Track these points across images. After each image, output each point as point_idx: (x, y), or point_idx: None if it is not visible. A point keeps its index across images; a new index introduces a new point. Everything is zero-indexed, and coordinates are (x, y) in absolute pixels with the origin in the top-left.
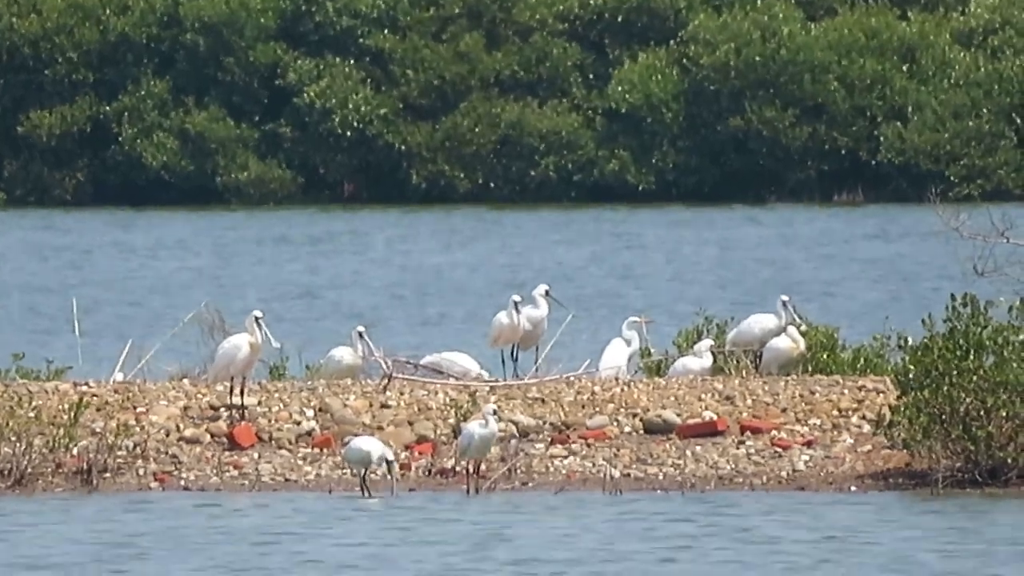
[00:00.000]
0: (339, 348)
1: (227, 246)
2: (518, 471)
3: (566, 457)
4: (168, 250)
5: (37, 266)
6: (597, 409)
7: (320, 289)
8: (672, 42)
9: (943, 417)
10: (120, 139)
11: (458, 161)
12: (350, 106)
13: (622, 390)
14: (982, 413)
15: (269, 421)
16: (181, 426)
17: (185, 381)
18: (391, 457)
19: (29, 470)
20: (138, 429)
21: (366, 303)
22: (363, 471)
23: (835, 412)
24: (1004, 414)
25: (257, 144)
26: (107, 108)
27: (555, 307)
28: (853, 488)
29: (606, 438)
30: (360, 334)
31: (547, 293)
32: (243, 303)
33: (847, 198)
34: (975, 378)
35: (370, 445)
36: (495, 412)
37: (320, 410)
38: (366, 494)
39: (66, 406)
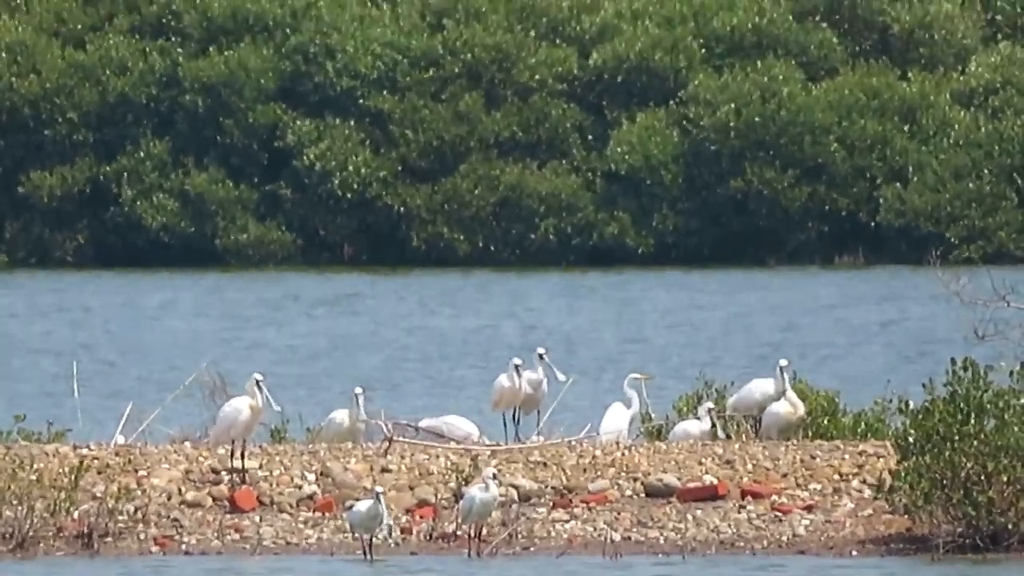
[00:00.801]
0: (338, 411)
1: (228, 308)
2: (520, 535)
3: (568, 521)
4: (168, 312)
5: (39, 326)
6: (598, 473)
7: (322, 351)
8: (672, 102)
9: (944, 482)
10: (120, 200)
11: (457, 223)
12: (350, 168)
13: (623, 454)
14: (983, 478)
15: (270, 485)
16: (182, 489)
17: (186, 444)
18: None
19: (31, 534)
20: (139, 492)
21: (368, 366)
22: (366, 535)
23: (836, 477)
24: (1005, 479)
25: (256, 206)
26: (107, 169)
27: (553, 370)
28: (854, 553)
29: (607, 502)
30: (357, 396)
31: (541, 357)
32: (245, 365)
33: (848, 260)
34: (976, 442)
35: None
36: (495, 476)
37: (321, 474)
38: (369, 557)
39: (67, 469)
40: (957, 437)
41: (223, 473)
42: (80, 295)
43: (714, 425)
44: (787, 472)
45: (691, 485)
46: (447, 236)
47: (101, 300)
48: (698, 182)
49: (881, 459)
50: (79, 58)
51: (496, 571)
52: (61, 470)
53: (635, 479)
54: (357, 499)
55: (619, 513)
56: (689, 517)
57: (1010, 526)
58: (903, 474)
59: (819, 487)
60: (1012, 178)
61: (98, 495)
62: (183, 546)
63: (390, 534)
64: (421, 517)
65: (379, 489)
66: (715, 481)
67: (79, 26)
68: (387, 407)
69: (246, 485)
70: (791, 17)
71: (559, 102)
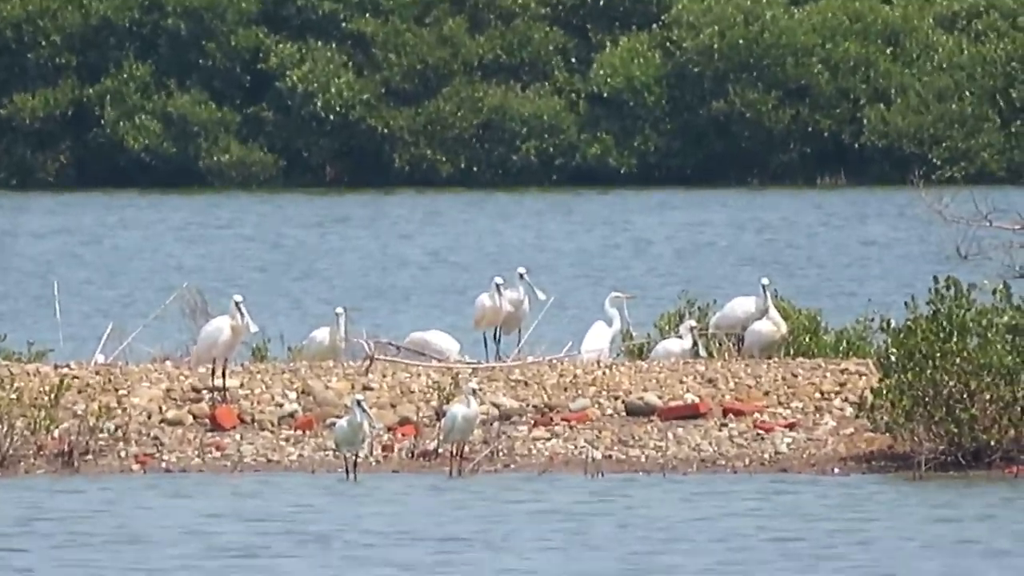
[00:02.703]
0: (320, 330)
1: (212, 228)
2: (501, 453)
3: (549, 439)
4: (151, 233)
5: (21, 246)
6: (579, 392)
7: (306, 271)
8: (655, 26)
9: (926, 400)
10: (103, 122)
11: (440, 145)
12: (332, 90)
13: (604, 373)
14: (965, 396)
15: (251, 403)
16: (163, 408)
17: (167, 363)
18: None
19: (11, 452)
20: (120, 411)
21: (352, 285)
22: (350, 452)
23: (817, 395)
24: (988, 397)
25: (239, 127)
26: (90, 91)
27: (533, 289)
28: (836, 470)
29: (588, 420)
30: (338, 315)
31: (522, 276)
32: (227, 285)
33: (830, 181)
34: (958, 361)
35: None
36: (475, 391)
37: (302, 392)
38: (351, 475)
39: (47, 388)
40: (939, 355)
41: (204, 392)
42: (63, 216)
43: (696, 344)
44: (769, 390)
45: (672, 404)
46: (430, 158)
47: (83, 221)
48: (681, 104)
49: (863, 377)
50: None
51: (477, 489)
52: (42, 389)
53: (616, 398)
54: (338, 417)
55: (600, 432)
56: (670, 435)
57: (992, 443)
58: (885, 392)
59: (801, 405)
60: (994, 100)
61: (79, 414)
62: (164, 464)
63: (372, 437)
64: (403, 435)
65: (359, 397)
66: (696, 400)
67: None
68: (369, 326)
69: (227, 403)
70: None
71: (542, 25)
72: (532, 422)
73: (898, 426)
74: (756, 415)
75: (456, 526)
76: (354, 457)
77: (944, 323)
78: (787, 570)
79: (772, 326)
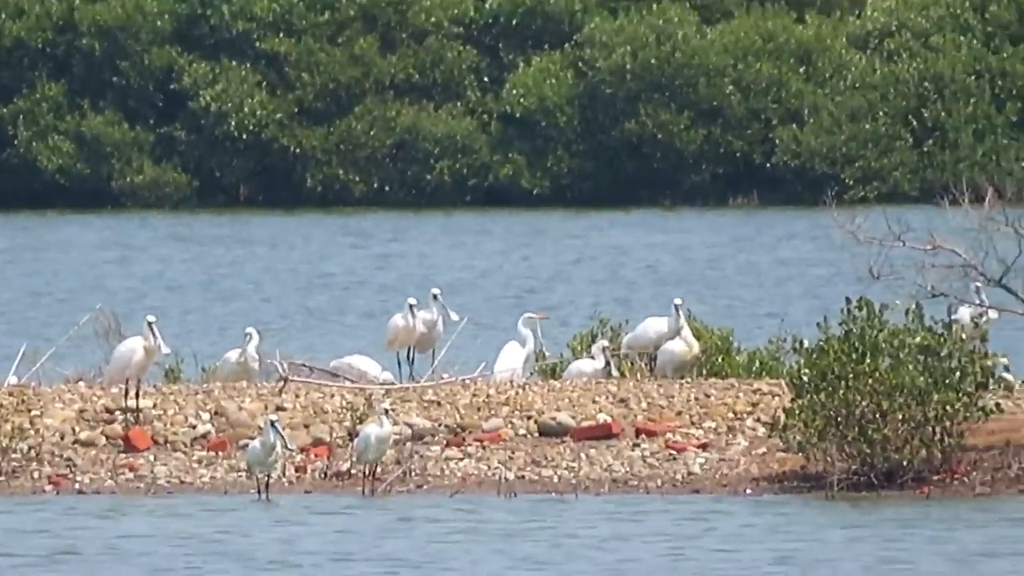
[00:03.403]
0: (233, 351)
1: (125, 249)
2: (414, 473)
3: (461, 460)
4: (64, 253)
5: None
6: (492, 412)
7: (221, 291)
8: (567, 45)
9: (838, 420)
10: (16, 142)
11: (353, 165)
12: (245, 109)
13: (517, 393)
14: (877, 416)
15: (164, 424)
16: (76, 429)
17: (80, 384)
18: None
19: None
20: (33, 432)
21: (265, 306)
22: (262, 473)
23: (730, 415)
24: (900, 417)
25: (152, 147)
26: (3, 111)
27: (447, 310)
28: (748, 491)
29: (501, 440)
30: (248, 336)
31: (436, 297)
32: (140, 306)
33: (743, 201)
34: (871, 381)
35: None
36: (387, 411)
37: (215, 413)
38: (263, 496)
39: None
40: (852, 376)
41: (117, 412)
42: None
43: (608, 364)
44: (681, 410)
45: (585, 424)
46: (343, 177)
47: None
48: (593, 124)
49: (775, 397)
50: None
51: (390, 509)
52: None
53: (529, 418)
54: (251, 438)
55: (513, 452)
56: (583, 456)
57: (904, 463)
58: (797, 412)
59: (713, 425)
60: (906, 119)
61: None
62: (77, 485)
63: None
64: (316, 456)
65: (272, 417)
66: (609, 420)
67: None
68: (284, 347)
69: (140, 424)
70: None
71: (455, 44)
72: (445, 442)
73: (811, 446)
74: (668, 435)
75: (373, 548)
76: (267, 478)
77: (856, 343)
78: None
79: (685, 346)
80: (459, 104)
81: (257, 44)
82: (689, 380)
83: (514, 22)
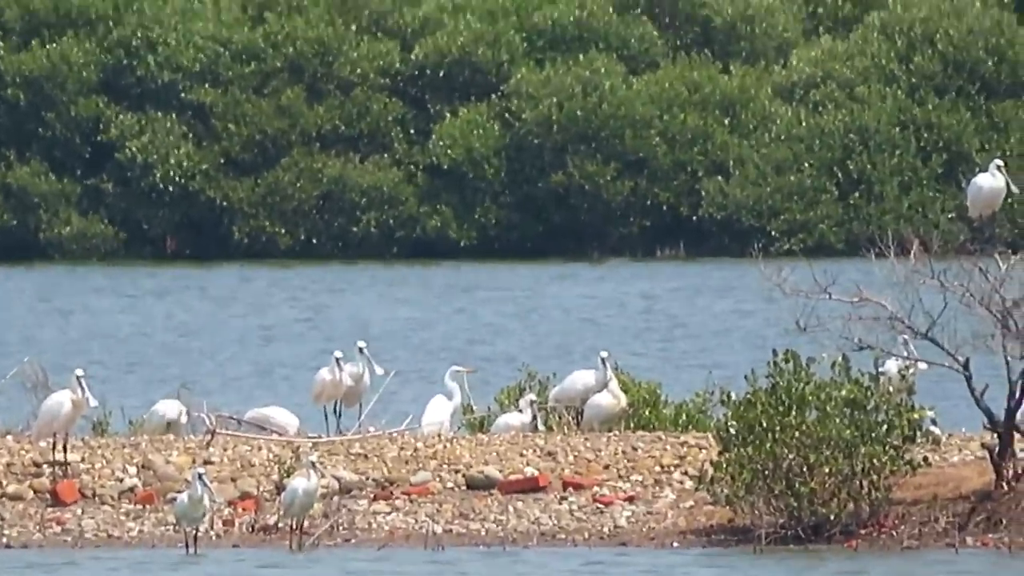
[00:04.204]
0: (161, 403)
1: (51, 301)
2: (341, 527)
3: (389, 513)
4: None
5: None
6: (420, 465)
7: (146, 344)
8: (494, 96)
9: (766, 473)
10: None
11: (279, 216)
12: (172, 160)
13: (445, 446)
14: (805, 469)
15: (92, 477)
16: (4, 482)
17: (8, 437)
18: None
19: None
20: None
21: (191, 360)
22: (190, 526)
23: (657, 468)
24: (827, 470)
25: (79, 199)
26: None
27: (372, 364)
28: (675, 544)
29: (429, 494)
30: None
31: (361, 351)
32: (68, 359)
33: (669, 253)
34: (798, 434)
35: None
36: (314, 464)
37: (143, 466)
38: (191, 550)
39: None
40: (779, 428)
41: (45, 466)
42: None
43: (535, 417)
44: (609, 463)
45: (512, 477)
46: (269, 229)
47: None
48: (520, 175)
49: (703, 450)
50: None
51: (318, 563)
52: None
53: (457, 471)
54: (179, 491)
55: (441, 505)
56: (511, 509)
57: (832, 517)
58: (725, 465)
59: (640, 478)
60: (832, 171)
61: None
62: (4, 539)
63: (213, 511)
64: (243, 509)
65: (199, 470)
66: (536, 473)
67: None
68: (210, 399)
69: (68, 478)
70: (612, 10)
71: (381, 96)
72: (372, 496)
73: (738, 499)
74: (596, 488)
75: None
76: (195, 531)
77: (783, 396)
78: None
79: (612, 399)
80: (386, 156)
81: (183, 95)
82: (616, 433)
83: (440, 73)
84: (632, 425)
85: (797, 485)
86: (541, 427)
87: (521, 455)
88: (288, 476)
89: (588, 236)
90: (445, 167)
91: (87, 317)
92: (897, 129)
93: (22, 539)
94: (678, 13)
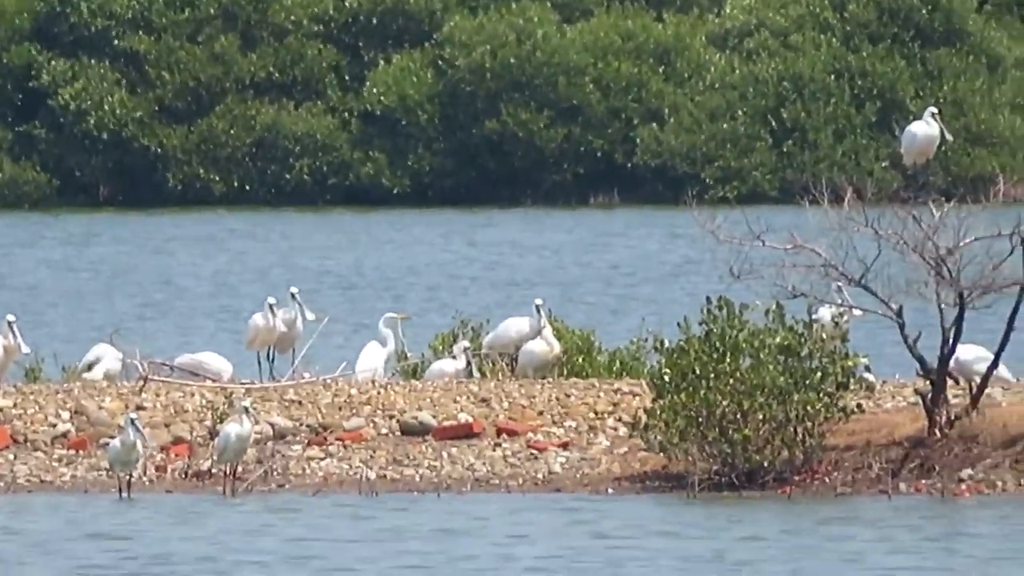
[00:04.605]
0: (95, 348)
1: None
2: (275, 473)
3: (323, 459)
4: None
5: None
6: (354, 411)
7: (79, 291)
8: (427, 44)
9: (699, 420)
10: None
11: (213, 164)
12: (105, 108)
13: (378, 392)
14: (738, 416)
15: (24, 423)
16: None
17: None
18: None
19: None
20: None
21: (125, 305)
22: (123, 472)
23: (591, 415)
24: (761, 417)
25: (11, 146)
26: None
27: (304, 309)
28: (610, 490)
29: (363, 440)
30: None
31: (294, 296)
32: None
33: (603, 201)
34: (731, 381)
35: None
36: (247, 410)
37: (76, 412)
38: (125, 495)
39: None
40: (712, 376)
41: None
42: None
43: (469, 364)
44: (543, 410)
45: (446, 423)
46: (203, 176)
47: None
48: (454, 123)
49: (636, 398)
50: None
51: (251, 509)
52: None
53: (391, 417)
54: (112, 437)
55: (375, 451)
56: (444, 455)
57: (765, 464)
58: (658, 412)
59: (574, 425)
60: (766, 119)
61: None
62: None
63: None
64: (176, 455)
65: (132, 415)
66: (470, 419)
67: None
68: (141, 347)
69: (0, 423)
70: None
71: (315, 43)
72: (306, 441)
73: (672, 446)
74: (530, 435)
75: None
76: (128, 477)
77: (717, 343)
78: None
79: (546, 346)
80: (319, 103)
81: (116, 42)
82: (550, 380)
83: (374, 20)
84: (566, 372)
85: (731, 432)
86: (476, 373)
87: (455, 401)
88: (221, 422)
89: (522, 183)
90: (378, 114)
91: (18, 264)
92: (831, 77)
93: None
94: None
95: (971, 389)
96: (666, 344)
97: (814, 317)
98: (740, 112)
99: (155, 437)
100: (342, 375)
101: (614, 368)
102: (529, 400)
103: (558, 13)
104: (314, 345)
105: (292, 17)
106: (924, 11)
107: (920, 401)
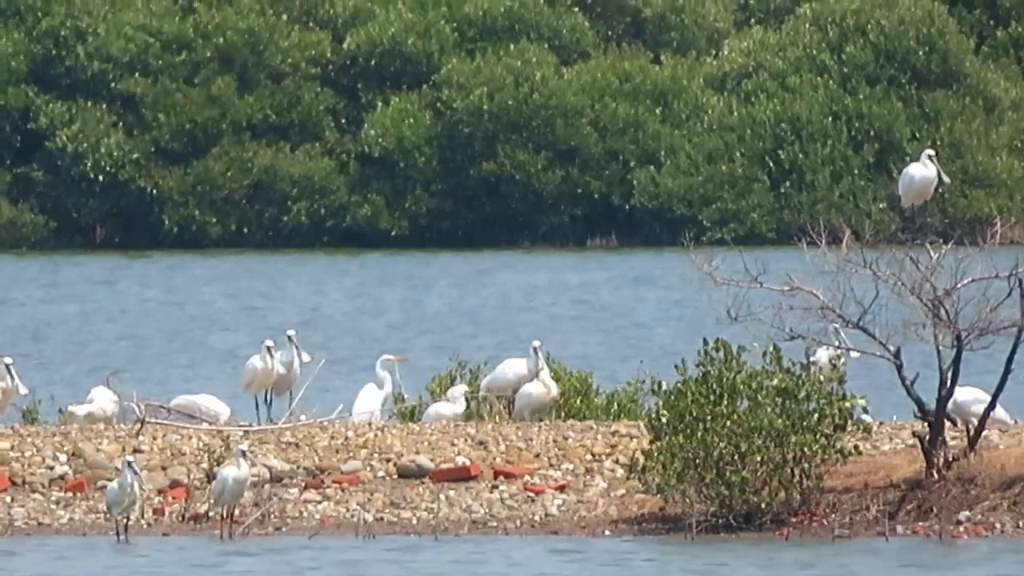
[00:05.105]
0: (93, 391)
1: None
2: (272, 516)
3: (320, 502)
4: None
5: None
6: (351, 454)
7: (77, 333)
8: (425, 86)
9: (697, 462)
10: None
11: (210, 206)
12: (102, 150)
13: (376, 435)
14: (736, 458)
15: (22, 465)
16: None
17: None
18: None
19: None
20: None
21: (121, 348)
22: (120, 514)
23: (588, 457)
24: (758, 459)
25: (9, 188)
26: None
27: (300, 351)
28: (607, 532)
29: (360, 483)
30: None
31: (290, 339)
32: None
33: (601, 243)
34: (729, 423)
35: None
36: (244, 453)
37: (73, 454)
38: (122, 538)
39: None
40: (710, 417)
41: None
42: None
43: (468, 406)
44: (540, 452)
45: (444, 466)
46: (199, 219)
47: None
48: (451, 165)
49: (634, 439)
50: None
51: (249, 552)
52: None
53: (388, 460)
54: (109, 479)
55: (372, 494)
56: (442, 497)
57: (763, 505)
58: (656, 454)
59: (572, 467)
60: (764, 161)
61: None
62: None
63: (143, 499)
64: (174, 498)
65: (130, 458)
66: (467, 462)
67: None
68: (139, 390)
69: None
70: (543, 1)
71: (312, 85)
72: (303, 484)
73: (669, 488)
74: (527, 477)
75: None
76: (125, 519)
77: (714, 385)
78: None
79: (543, 388)
80: (317, 145)
81: (113, 85)
82: (548, 422)
83: (372, 63)
84: (563, 414)
85: (728, 474)
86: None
87: (452, 444)
88: (218, 465)
89: (519, 226)
90: (376, 156)
91: (16, 307)
92: (829, 119)
93: None
94: (609, 3)
95: (969, 431)
96: (664, 386)
97: (812, 359)
98: (737, 154)
99: (152, 480)
100: (339, 417)
101: (612, 410)
102: (526, 442)
103: (555, 55)
104: (311, 387)
105: (289, 59)
106: (921, 53)
107: (918, 443)
